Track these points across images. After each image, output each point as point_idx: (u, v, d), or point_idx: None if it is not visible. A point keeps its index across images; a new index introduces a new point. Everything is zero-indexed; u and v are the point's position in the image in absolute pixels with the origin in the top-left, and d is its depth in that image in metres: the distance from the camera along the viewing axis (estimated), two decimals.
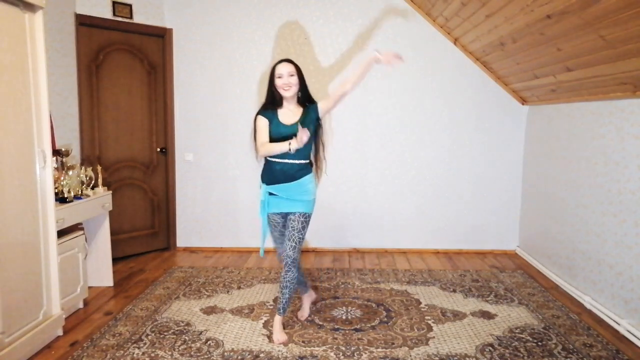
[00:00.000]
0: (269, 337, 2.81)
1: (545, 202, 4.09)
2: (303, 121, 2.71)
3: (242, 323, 3.02)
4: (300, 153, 2.66)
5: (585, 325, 2.99)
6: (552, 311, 3.22)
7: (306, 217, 2.75)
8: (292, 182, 2.71)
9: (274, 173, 2.73)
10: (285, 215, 2.80)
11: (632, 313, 2.85)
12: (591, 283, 3.31)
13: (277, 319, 2.84)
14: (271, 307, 3.28)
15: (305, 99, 2.83)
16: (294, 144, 2.55)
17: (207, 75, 4.59)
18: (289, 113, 2.78)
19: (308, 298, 3.18)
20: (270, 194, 2.76)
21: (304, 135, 2.48)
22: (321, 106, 2.80)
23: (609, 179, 3.13)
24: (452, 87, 4.54)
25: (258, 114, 2.78)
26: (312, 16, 4.50)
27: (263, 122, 2.74)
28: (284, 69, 2.71)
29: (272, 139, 2.71)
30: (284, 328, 2.90)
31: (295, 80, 2.72)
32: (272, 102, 2.78)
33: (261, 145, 2.72)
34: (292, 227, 2.73)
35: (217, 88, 4.59)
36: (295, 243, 2.73)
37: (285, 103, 2.77)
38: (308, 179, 2.76)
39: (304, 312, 3.13)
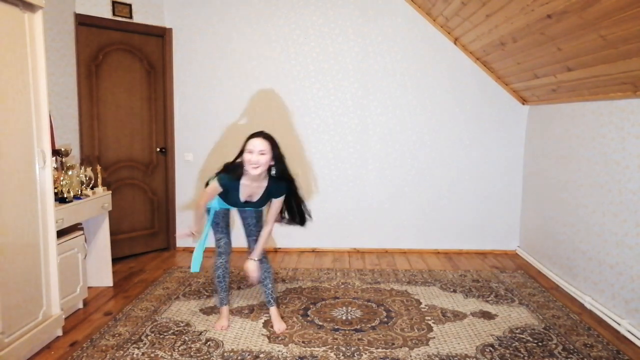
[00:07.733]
0: (269, 337, 2.81)
1: (545, 202, 4.09)
2: (259, 201, 2.77)
3: (242, 323, 3.02)
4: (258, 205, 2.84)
5: (586, 326, 2.99)
6: (552, 311, 3.22)
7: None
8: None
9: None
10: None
11: (632, 313, 2.85)
12: (592, 283, 3.30)
13: (273, 311, 2.97)
14: None
15: (281, 174, 2.66)
16: (196, 236, 2.85)
17: (207, 75, 4.58)
18: (247, 188, 2.69)
19: (226, 311, 3.02)
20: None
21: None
22: (278, 201, 2.76)
23: (610, 179, 3.12)
24: (452, 87, 4.54)
25: (221, 179, 2.66)
26: (312, 16, 4.50)
27: (214, 191, 2.70)
28: (256, 146, 2.56)
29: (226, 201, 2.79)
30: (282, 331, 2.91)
31: (265, 159, 2.56)
32: (237, 168, 2.65)
33: (197, 207, 2.83)
34: (253, 225, 2.98)
35: (217, 88, 4.59)
36: None
37: (248, 175, 2.63)
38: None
39: (224, 323, 2.96)
